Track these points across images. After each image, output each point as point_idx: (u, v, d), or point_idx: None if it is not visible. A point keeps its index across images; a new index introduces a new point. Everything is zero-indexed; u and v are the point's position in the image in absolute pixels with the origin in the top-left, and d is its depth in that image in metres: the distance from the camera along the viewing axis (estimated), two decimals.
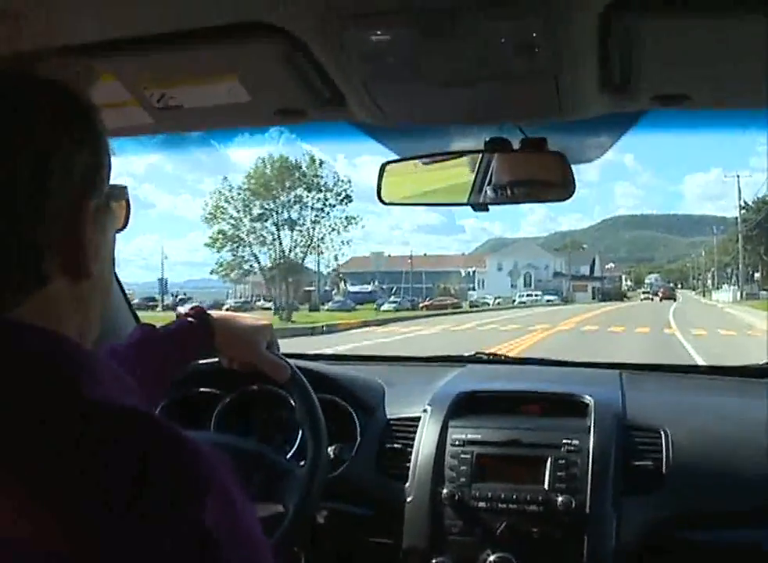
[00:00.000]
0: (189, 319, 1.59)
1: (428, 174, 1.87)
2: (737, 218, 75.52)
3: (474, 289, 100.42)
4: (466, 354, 2.81)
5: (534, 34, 1.24)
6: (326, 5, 1.19)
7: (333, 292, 74.15)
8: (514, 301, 77.11)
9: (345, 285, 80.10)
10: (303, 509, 1.64)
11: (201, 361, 1.78)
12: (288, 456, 1.93)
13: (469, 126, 1.79)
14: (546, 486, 1.85)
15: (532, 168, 1.81)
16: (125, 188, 0.96)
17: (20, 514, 0.66)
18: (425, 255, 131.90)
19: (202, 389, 2.13)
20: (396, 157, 1.87)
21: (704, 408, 2.15)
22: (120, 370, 0.88)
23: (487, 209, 1.83)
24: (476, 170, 1.81)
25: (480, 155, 1.81)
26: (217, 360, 1.73)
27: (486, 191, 1.81)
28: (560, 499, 1.81)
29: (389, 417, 2.14)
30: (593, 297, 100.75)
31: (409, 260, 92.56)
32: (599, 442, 1.88)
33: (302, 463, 1.71)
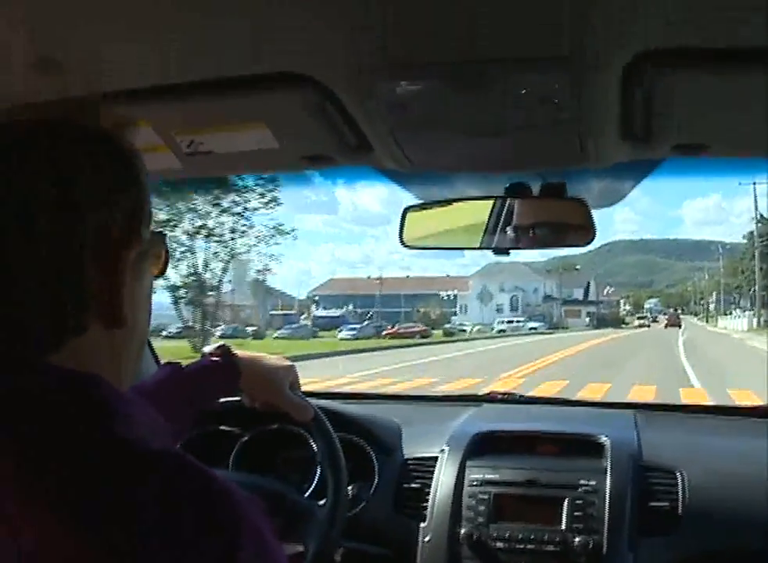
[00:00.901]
0: (215, 358, 1.60)
1: (449, 218, 1.89)
2: (752, 233, 69.91)
3: (456, 314, 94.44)
4: (480, 393, 2.82)
5: (557, 87, 1.27)
6: (358, 57, 1.21)
7: (302, 317, 70.46)
8: (492, 328, 70.35)
9: (317, 309, 75.73)
10: (324, 549, 1.65)
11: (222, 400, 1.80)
12: (306, 494, 1.94)
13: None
14: (563, 527, 1.85)
15: (552, 213, 1.82)
16: (165, 235, 0.97)
17: (50, 550, 0.66)
18: (407, 277, 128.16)
19: (221, 428, 2.14)
20: (418, 201, 1.89)
21: (719, 449, 2.15)
22: (154, 412, 0.89)
23: (508, 254, 1.85)
24: (497, 214, 1.83)
25: (503, 201, 1.83)
26: (238, 398, 1.72)
27: (507, 235, 1.83)
28: (577, 539, 1.81)
29: (406, 456, 2.15)
30: (588, 323, 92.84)
31: (378, 281, 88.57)
32: (616, 482, 1.89)
33: (320, 502, 1.72)
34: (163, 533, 0.68)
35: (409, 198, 1.90)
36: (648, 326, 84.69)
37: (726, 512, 1.88)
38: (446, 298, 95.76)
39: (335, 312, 69.92)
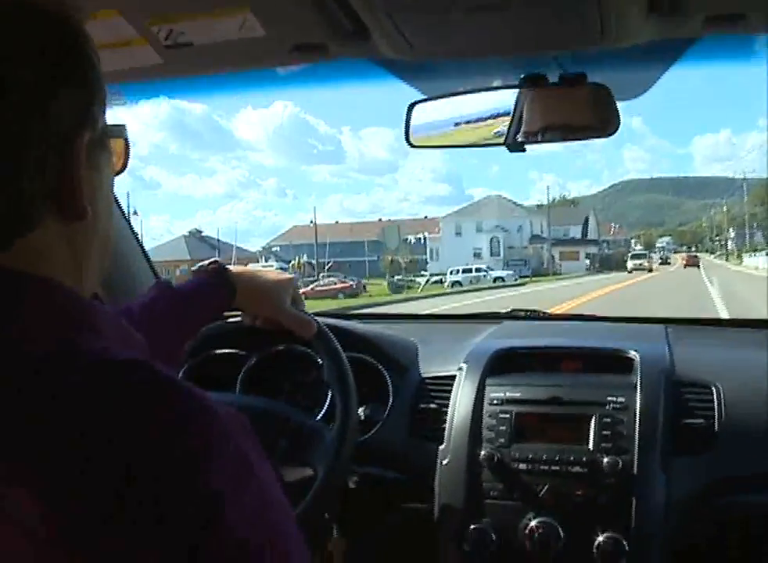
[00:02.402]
0: (209, 275, 1.53)
1: (459, 114, 1.77)
2: None
3: (428, 261, 77.03)
4: (503, 311, 2.73)
5: None
6: None
7: None
8: (441, 281, 51.43)
9: (266, 261, 64.98)
10: (334, 472, 1.59)
11: (222, 320, 1.72)
12: (317, 418, 1.87)
13: (502, 63, 1.70)
14: (590, 446, 1.76)
15: (572, 104, 1.70)
16: (124, 126, 0.90)
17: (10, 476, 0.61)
18: (379, 220, 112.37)
19: (226, 350, 2.08)
20: (424, 97, 1.76)
21: (755, 363, 2.05)
22: (127, 325, 0.83)
23: (524, 149, 1.72)
24: (512, 109, 1.70)
25: (516, 93, 1.70)
26: (238, 318, 1.67)
27: (523, 130, 1.70)
28: (605, 459, 1.72)
29: (422, 375, 2.07)
30: (588, 266, 76.55)
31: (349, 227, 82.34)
32: (646, 399, 1.80)
33: (331, 425, 1.66)
34: (127, 453, 0.63)
35: (414, 94, 1.77)
36: (650, 270, 62.68)
37: (762, 429, 1.79)
38: (414, 242, 77.83)
39: (273, 266, 47.07)
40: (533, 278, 55.31)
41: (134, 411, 0.65)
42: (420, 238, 79.51)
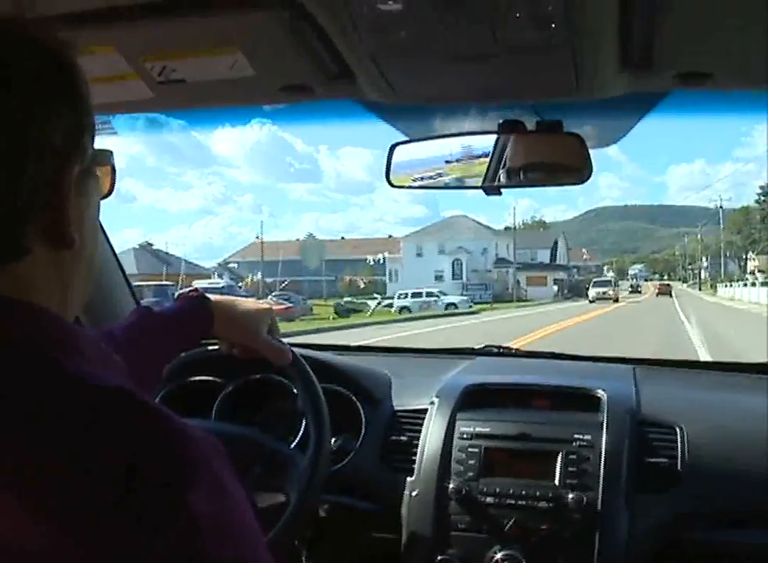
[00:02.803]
0: (188, 302, 1.54)
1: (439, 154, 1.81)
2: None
3: (387, 283, 72.27)
4: (476, 347, 2.76)
5: (549, 6, 1.18)
6: None
7: (182, 288, 53.22)
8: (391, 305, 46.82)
9: (219, 278, 56.53)
10: (306, 498, 1.60)
11: (199, 348, 1.74)
12: (291, 447, 1.89)
13: (482, 108, 1.74)
14: (556, 482, 1.79)
15: (547, 150, 1.75)
16: (110, 152, 0.92)
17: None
18: (342, 238, 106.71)
19: (202, 378, 2.09)
20: (405, 138, 1.81)
21: (719, 405, 2.10)
22: (107, 348, 0.85)
23: (500, 193, 1.77)
24: (491, 152, 1.74)
25: (495, 137, 1.75)
26: (215, 346, 1.68)
27: (499, 175, 1.75)
28: (571, 495, 1.75)
29: (395, 408, 2.09)
30: (556, 292, 71.78)
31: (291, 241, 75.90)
32: (612, 437, 1.83)
33: (305, 453, 1.67)
34: (115, 476, 0.65)
35: (396, 136, 1.81)
36: (615, 299, 55.19)
37: (726, 469, 1.82)
38: (372, 263, 76.28)
39: (216, 283, 43.61)
40: (494, 305, 50.67)
41: (115, 435, 0.67)
42: (379, 259, 76.27)
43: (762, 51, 1.31)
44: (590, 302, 53.90)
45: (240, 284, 50.79)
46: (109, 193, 0.94)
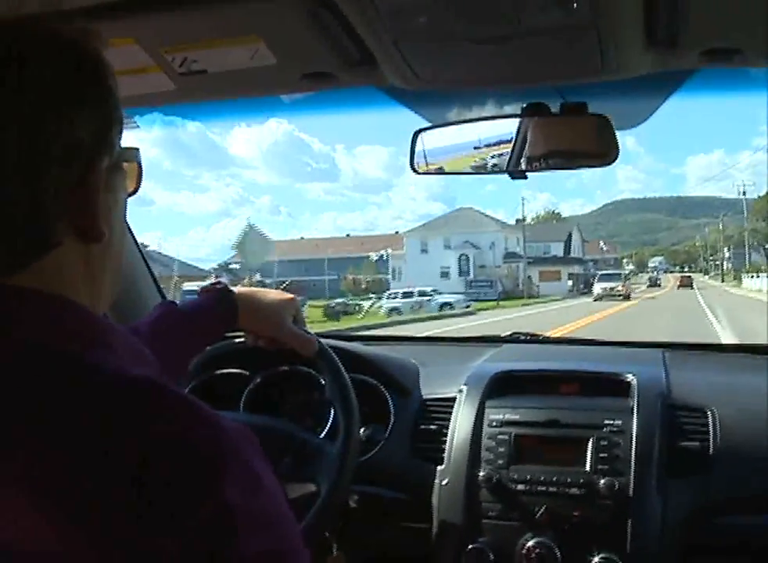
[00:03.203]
0: (212, 295, 1.55)
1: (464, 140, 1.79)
2: None
3: (390, 281, 65.82)
4: (503, 334, 2.75)
5: None
6: None
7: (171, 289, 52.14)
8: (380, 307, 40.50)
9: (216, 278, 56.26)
10: (337, 488, 1.60)
11: (225, 341, 1.75)
12: (320, 437, 1.88)
13: (506, 92, 1.73)
14: (587, 468, 1.78)
15: (572, 133, 1.73)
16: (137, 149, 0.93)
17: (21, 480, 0.64)
18: (347, 236, 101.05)
19: (230, 370, 2.10)
20: (428, 125, 1.80)
21: (751, 388, 2.07)
22: (139, 343, 0.86)
23: (525, 177, 1.75)
24: (515, 136, 1.73)
25: (519, 121, 1.73)
26: (242, 339, 1.69)
27: (525, 159, 1.73)
28: (602, 481, 1.74)
29: (423, 397, 2.09)
30: (571, 287, 64.14)
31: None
32: (643, 422, 1.82)
33: (334, 442, 1.67)
34: (140, 464, 0.65)
35: (419, 123, 1.80)
36: (626, 297, 46.66)
37: (759, 453, 1.80)
38: (375, 260, 69.50)
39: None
40: (501, 303, 45.97)
41: (148, 426, 0.67)
42: (382, 256, 69.80)
43: None
44: (595, 300, 45.25)
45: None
46: (136, 190, 0.94)
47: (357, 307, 39.35)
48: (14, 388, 0.68)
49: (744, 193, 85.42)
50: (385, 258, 70.10)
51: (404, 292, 44.01)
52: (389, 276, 68.35)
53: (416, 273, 60.27)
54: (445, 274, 65.61)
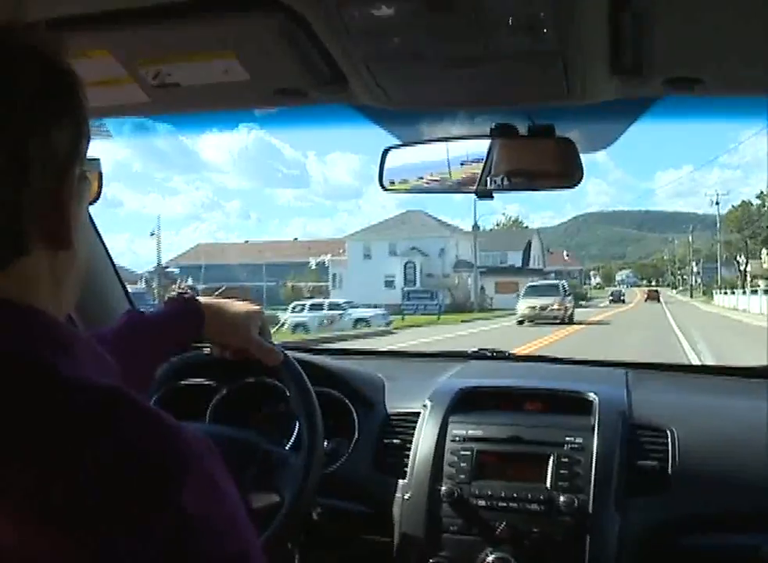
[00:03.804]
0: (178, 305, 1.56)
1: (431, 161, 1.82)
2: None
3: (330, 289, 61.64)
4: (469, 350, 2.77)
5: (541, 13, 1.20)
6: None
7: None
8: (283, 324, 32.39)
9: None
10: (300, 498, 1.61)
11: (192, 351, 1.76)
12: (285, 448, 1.89)
13: (475, 112, 1.76)
14: (548, 485, 1.80)
15: (539, 154, 1.76)
16: (98, 159, 1.00)
17: None
18: (295, 240, 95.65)
19: (196, 381, 2.10)
20: (399, 143, 1.82)
21: (710, 409, 2.10)
22: (101, 350, 0.87)
23: (492, 197, 1.78)
24: (483, 156, 1.76)
25: (487, 141, 1.76)
26: (207, 349, 1.70)
27: (493, 179, 1.76)
28: (562, 498, 1.76)
29: (388, 411, 2.10)
30: None
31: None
32: (603, 440, 1.84)
33: (298, 453, 1.68)
34: (106, 474, 0.66)
35: (389, 140, 1.83)
36: (567, 320, 33.97)
37: (717, 473, 1.83)
38: (315, 266, 64.88)
39: (139, 289, 32.48)
40: (444, 316, 40.86)
41: (111, 436, 0.68)
42: (324, 262, 64.62)
43: (750, 58, 1.33)
44: (519, 323, 34.36)
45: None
46: (97, 198, 0.98)
47: (276, 319, 32.76)
48: None
49: (717, 203, 79.63)
50: (326, 264, 65.67)
51: (312, 304, 38.76)
52: (329, 283, 63.90)
53: (358, 281, 56.54)
54: (390, 283, 59.76)
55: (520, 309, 35.13)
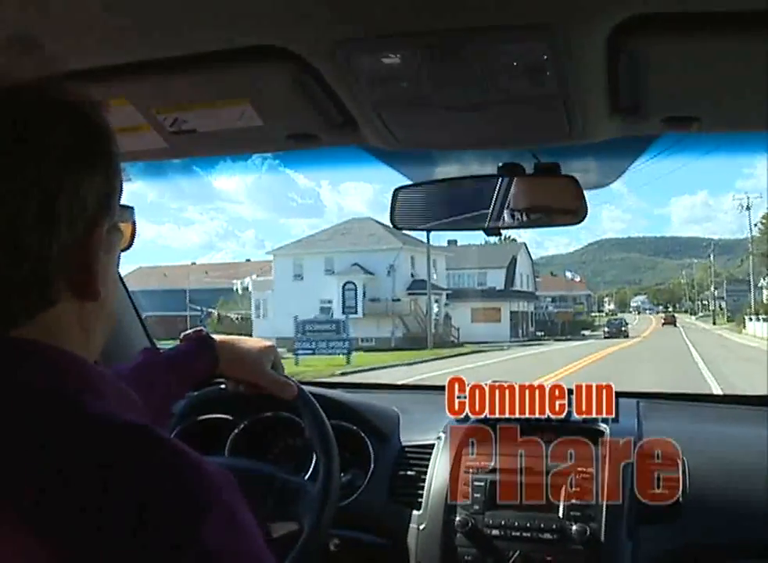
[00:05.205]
0: (193, 343, 1.59)
1: (441, 199, 1.86)
2: None
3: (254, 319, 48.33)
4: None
5: (542, 58, 1.25)
6: (335, 30, 1.20)
7: None
8: None
9: None
10: (318, 525, 1.62)
11: (210, 387, 1.79)
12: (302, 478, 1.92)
13: (482, 152, 1.80)
14: (560, 514, 1.82)
15: (545, 192, 1.81)
16: (132, 208, 0.97)
17: (16, 532, 0.66)
18: (247, 260, 72.22)
19: (215, 416, 2.12)
20: (409, 182, 1.87)
21: (722, 438, 2.11)
22: (125, 386, 0.88)
23: (500, 234, 1.83)
24: (491, 194, 1.80)
25: (495, 180, 1.80)
26: (223, 385, 1.73)
27: (501, 216, 1.80)
28: (574, 527, 1.78)
29: (403, 444, 2.13)
30: (513, 332, 50.41)
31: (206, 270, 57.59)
32: (614, 470, 1.85)
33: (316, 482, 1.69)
34: (131, 510, 0.67)
35: (401, 179, 1.87)
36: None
37: (727, 502, 1.84)
38: (241, 292, 53.30)
39: None
40: (363, 356, 30.71)
41: (143, 473, 0.70)
42: (247, 286, 51.85)
43: (745, 96, 1.37)
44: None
45: None
46: (129, 246, 0.97)
47: None
48: (16, 430, 0.71)
49: (748, 208, 64.87)
50: (248, 289, 51.99)
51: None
52: (251, 312, 50.13)
53: (286, 308, 38.61)
54: (326, 310, 44.53)
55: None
